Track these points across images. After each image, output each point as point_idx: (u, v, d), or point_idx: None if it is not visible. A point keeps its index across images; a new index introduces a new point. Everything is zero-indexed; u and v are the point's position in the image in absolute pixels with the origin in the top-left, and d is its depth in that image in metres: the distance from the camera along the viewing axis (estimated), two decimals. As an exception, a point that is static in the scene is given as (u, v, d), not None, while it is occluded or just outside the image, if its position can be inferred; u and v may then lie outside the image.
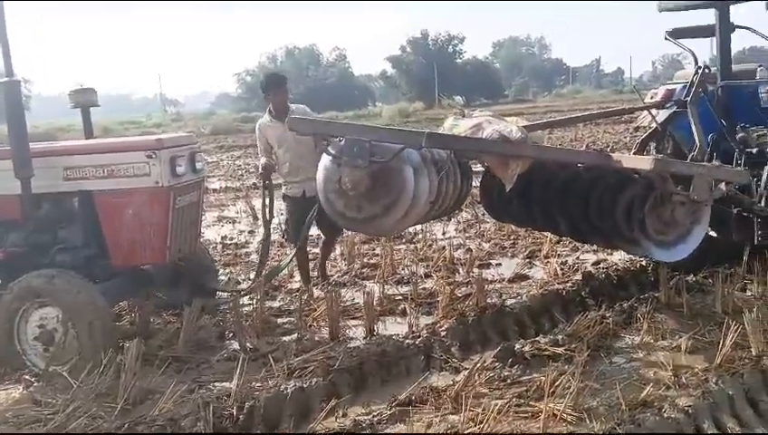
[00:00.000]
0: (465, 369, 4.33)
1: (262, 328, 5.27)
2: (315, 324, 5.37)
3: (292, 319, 5.58)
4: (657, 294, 5.30)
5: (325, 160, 4.51)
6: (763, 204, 5.24)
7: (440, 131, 5.01)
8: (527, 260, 6.93)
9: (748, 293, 5.28)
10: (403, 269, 6.84)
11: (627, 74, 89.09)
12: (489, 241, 7.91)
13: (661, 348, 4.46)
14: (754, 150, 5.48)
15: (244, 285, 6.50)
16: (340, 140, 4.37)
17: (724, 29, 6.00)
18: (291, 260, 6.10)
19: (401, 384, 4.20)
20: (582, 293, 5.66)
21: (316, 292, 6.15)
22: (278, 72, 6.25)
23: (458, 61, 65.47)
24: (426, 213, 4.61)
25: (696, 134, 5.48)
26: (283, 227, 6.42)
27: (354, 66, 76.60)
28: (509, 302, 5.50)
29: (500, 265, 6.94)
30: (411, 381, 4.23)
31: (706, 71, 5.76)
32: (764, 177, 5.24)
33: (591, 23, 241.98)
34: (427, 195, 4.37)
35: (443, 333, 4.88)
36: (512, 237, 7.89)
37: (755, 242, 5.38)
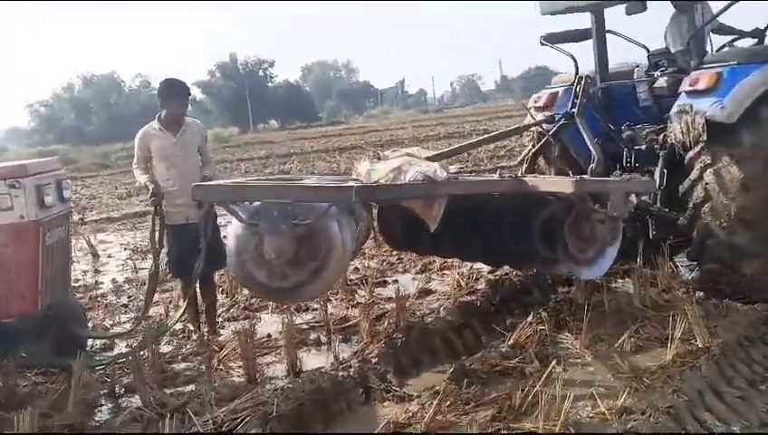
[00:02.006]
0: (409, 396, 3.98)
1: (160, 378, 4.51)
2: (223, 367, 4.70)
3: (191, 364, 4.86)
4: (570, 296, 5.27)
5: (236, 228, 4.00)
6: (658, 204, 5.37)
7: (354, 176, 4.65)
8: (424, 274, 6.67)
9: (652, 288, 5.37)
10: (296, 295, 6.31)
11: (429, 94, 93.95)
12: (373, 258, 7.58)
13: (605, 349, 4.36)
14: (643, 147, 5.65)
15: (116, 330, 5.63)
16: (251, 203, 3.92)
17: (600, 31, 6.17)
18: (181, 316, 5.33)
19: (346, 422, 3.78)
20: (493, 302, 5.52)
21: (204, 329, 5.43)
22: (178, 80, 5.41)
23: (270, 84, 64.92)
24: (347, 265, 4.27)
25: (591, 147, 5.51)
26: (165, 259, 5.60)
27: (160, 93, 72.73)
28: (428, 319, 5.19)
29: (396, 281, 6.62)
30: (356, 417, 3.85)
31: (588, 80, 5.88)
32: (656, 178, 5.36)
33: (395, 45, 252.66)
34: (351, 247, 4.06)
35: (374, 360, 4.48)
36: (395, 253, 7.60)
37: (650, 237, 5.52)
